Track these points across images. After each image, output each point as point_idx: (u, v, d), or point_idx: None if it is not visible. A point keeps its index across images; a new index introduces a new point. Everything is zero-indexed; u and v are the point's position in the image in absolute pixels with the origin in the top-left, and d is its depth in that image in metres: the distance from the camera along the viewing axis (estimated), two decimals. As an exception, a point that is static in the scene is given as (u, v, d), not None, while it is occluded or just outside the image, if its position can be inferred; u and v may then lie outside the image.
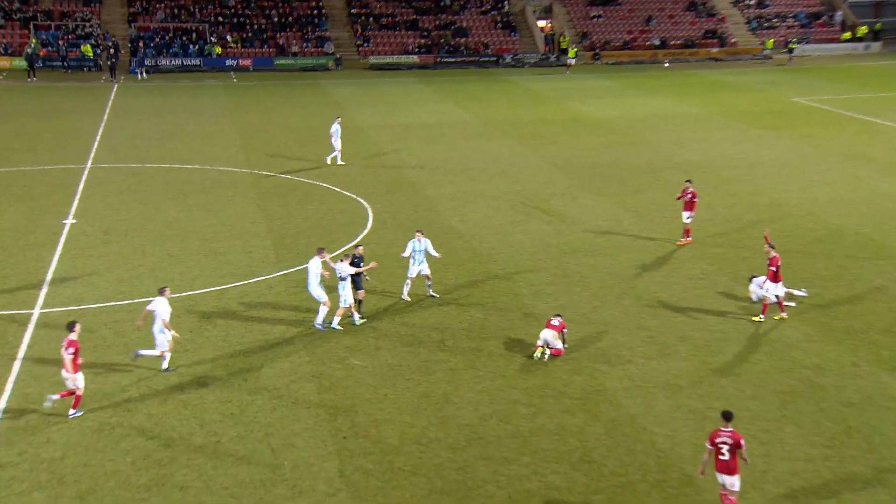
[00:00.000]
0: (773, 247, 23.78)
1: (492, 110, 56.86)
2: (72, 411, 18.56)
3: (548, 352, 21.29)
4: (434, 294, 25.12)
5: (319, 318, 22.80)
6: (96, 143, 45.58)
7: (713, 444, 15.09)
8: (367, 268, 23.27)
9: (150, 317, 20.43)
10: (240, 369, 20.70)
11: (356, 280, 23.20)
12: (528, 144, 46.40)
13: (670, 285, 26.33)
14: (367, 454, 17.29)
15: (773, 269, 23.29)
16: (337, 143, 40.84)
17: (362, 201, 35.29)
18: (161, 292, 20.46)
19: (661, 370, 20.83)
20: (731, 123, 52.36)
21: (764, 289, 23.64)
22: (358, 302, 23.30)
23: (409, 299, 24.81)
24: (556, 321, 21.63)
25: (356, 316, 23.13)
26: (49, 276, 26.52)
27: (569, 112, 56.55)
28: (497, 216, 33.41)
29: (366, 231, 31.39)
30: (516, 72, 75.83)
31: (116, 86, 65.68)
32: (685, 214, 29.89)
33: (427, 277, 24.95)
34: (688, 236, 30.02)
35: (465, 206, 34.70)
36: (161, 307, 20.18)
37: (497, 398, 19.42)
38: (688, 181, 30.42)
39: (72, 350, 18.21)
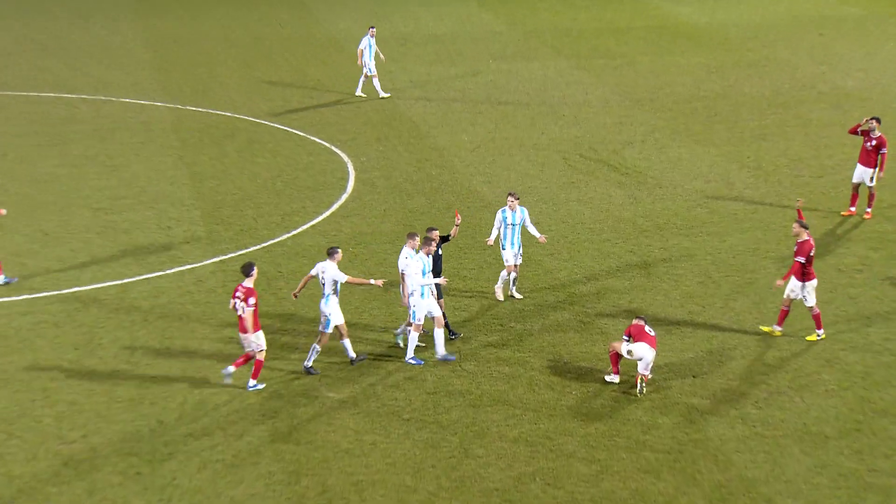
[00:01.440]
0: (806, 227, 23.36)
1: (535, 14, 56.59)
2: (251, 383, 21.28)
3: (643, 387, 21.14)
4: (517, 294, 25.42)
5: (410, 351, 22.63)
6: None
7: None
8: (442, 280, 23.24)
9: (314, 284, 22.06)
10: (151, 404, 20.81)
11: (437, 286, 23.20)
12: (592, 67, 46.27)
13: (809, 281, 26.30)
14: (344, 534, 17.43)
15: (802, 259, 22.93)
16: (370, 65, 41.27)
17: (339, 152, 35.33)
18: (330, 255, 21.90)
19: (795, 411, 20.80)
20: (909, 32, 52.11)
21: (793, 291, 23.38)
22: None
23: (502, 299, 25.21)
24: (651, 330, 21.52)
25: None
26: None
27: (654, 16, 56.24)
28: (543, 175, 33.45)
29: (344, 197, 31.44)
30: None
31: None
32: (865, 172, 29.45)
33: (514, 267, 25.15)
34: (869, 205, 29.88)
35: (495, 161, 34.73)
36: (331, 272, 21.70)
37: (541, 450, 19.47)
38: (873, 119, 29.80)
39: (253, 301, 20.63)
